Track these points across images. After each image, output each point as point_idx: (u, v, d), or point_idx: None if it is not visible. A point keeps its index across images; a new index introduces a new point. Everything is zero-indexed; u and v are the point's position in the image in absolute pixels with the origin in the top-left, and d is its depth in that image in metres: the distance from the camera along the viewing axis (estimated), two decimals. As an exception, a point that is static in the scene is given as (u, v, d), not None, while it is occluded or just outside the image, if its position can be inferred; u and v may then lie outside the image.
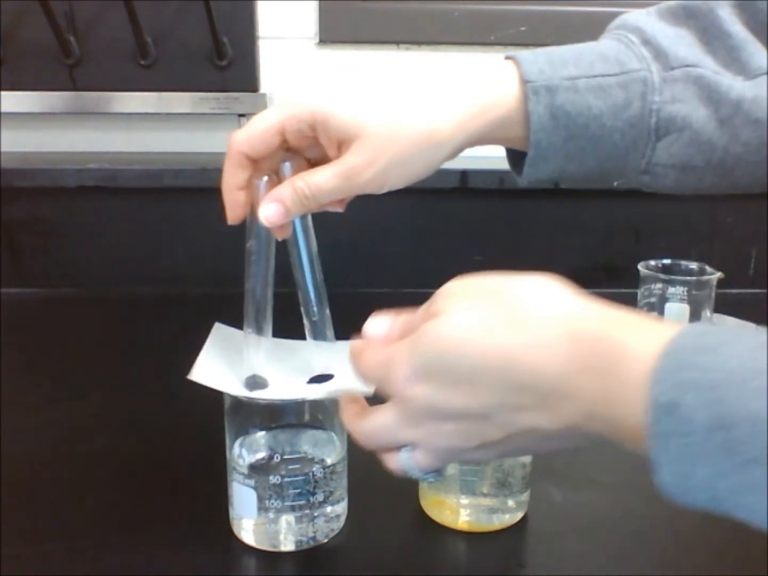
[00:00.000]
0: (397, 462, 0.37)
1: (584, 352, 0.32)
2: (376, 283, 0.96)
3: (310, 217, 0.47)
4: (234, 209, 0.45)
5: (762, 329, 0.28)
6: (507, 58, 0.46)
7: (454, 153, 0.46)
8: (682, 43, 0.45)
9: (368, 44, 1.00)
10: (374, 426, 0.37)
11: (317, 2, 0.97)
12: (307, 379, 0.46)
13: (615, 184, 0.51)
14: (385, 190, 0.44)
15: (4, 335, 0.78)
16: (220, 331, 0.50)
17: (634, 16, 0.48)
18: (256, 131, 0.43)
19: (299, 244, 0.47)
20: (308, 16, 0.98)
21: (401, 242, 0.96)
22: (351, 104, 0.42)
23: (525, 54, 0.45)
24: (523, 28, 0.98)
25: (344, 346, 0.49)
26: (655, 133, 0.45)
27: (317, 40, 0.98)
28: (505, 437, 0.35)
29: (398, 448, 0.37)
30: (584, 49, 0.46)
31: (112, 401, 0.65)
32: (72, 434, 0.59)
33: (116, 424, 0.61)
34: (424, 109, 0.43)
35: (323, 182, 0.43)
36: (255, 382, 0.45)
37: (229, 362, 0.47)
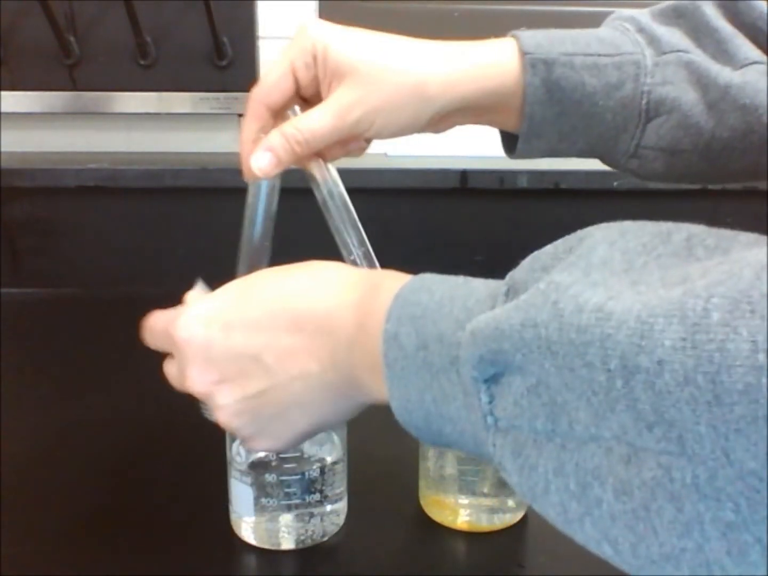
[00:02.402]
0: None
1: (351, 293, 0.35)
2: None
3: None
4: (247, 163, 0.45)
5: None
6: (509, 35, 0.48)
7: (445, 113, 0.46)
8: (674, 36, 0.47)
9: (368, 44, 1.00)
10: (167, 373, 0.41)
11: (317, 2, 0.97)
12: None
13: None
14: (372, 134, 0.45)
15: (4, 335, 0.78)
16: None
17: (629, 11, 0.50)
18: (271, 80, 0.45)
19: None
20: (308, 17, 0.98)
21: (401, 242, 0.96)
22: (349, 42, 0.44)
23: (525, 31, 0.47)
24: (523, 28, 0.98)
25: None
26: (645, 114, 0.46)
27: (317, 40, 0.98)
28: (270, 386, 0.36)
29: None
30: (582, 32, 0.47)
31: (111, 401, 0.65)
32: (72, 434, 0.59)
33: (116, 424, 0.61)
34: (418, 60, 0.44)
35: (315, 123, 0.43)
36: None
37: None
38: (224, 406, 0.36)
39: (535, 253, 0.29)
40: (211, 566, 0.44)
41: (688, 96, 0.45)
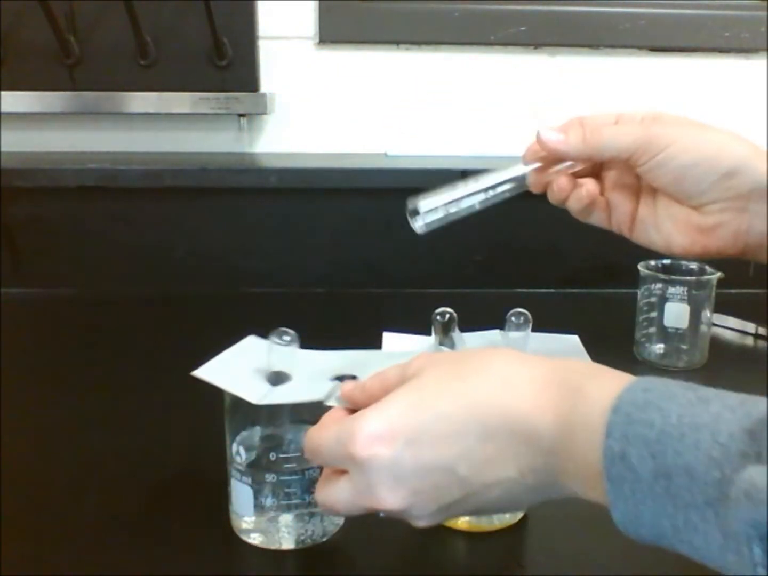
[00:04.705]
0: None
1: (546, 395, 0.34)
2: (376, 283, 0.96)
3: None
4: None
5: (700, 387, 0.31)
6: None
7: (733, 195, 0.47)
8: None
9: (368, 44, 1.00)
10: (330, 500, 0.38)
11: (317, 2, 0.97)
12: (329, 379, 0.46)
13: None
14: (659, 161, 0.47)
15: (4, 335, 0.78)
16: (250, 341, 0.49)
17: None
18: (598, 120, 0.49)
19: None
20: (308, 16, 0.98)
21: (401, 242, 0.96)
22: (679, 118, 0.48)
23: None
24: (523, 28, 0.98)
25: (373, 354, 0.49)
26: None
27: (317, 40, 0.99)
28: (466, 495, 0.35)
29: None
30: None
31: (112, 401, 0.65)
32: (72, 434, 0.59)
33: (116, 424, 0.61)
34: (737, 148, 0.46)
35: (619, 132, 0.47)
36: (278, 377, 0.45)
37: (244, 364, 0.46)
38: (421, 517, 0.37)
39: None
40: (211, 566, 0.44)
41: None
